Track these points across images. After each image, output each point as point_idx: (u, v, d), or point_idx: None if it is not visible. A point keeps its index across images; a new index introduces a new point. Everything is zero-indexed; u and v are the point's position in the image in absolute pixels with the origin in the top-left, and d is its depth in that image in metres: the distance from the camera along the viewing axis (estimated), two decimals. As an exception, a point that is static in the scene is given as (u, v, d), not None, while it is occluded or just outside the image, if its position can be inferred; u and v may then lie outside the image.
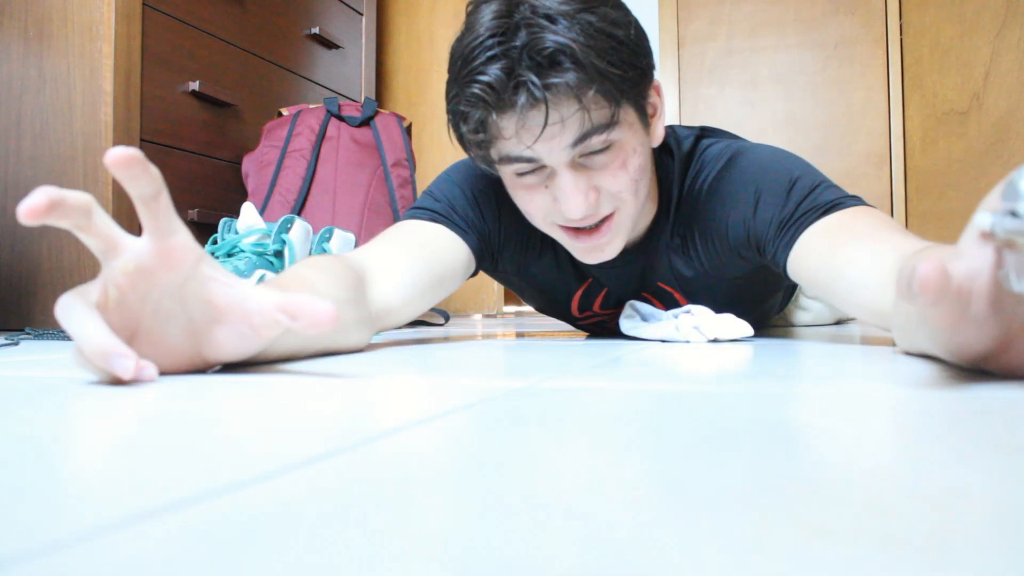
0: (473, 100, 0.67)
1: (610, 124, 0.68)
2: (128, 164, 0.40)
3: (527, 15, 0.64)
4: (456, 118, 0.70)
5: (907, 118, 2.56)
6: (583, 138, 0.67)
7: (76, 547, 0.15)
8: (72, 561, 0.14)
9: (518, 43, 0.64)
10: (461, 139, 0.73)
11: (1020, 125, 2.44)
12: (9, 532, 0.16)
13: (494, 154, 0.72)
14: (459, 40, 0.69)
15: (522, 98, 0.65)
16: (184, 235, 0.45)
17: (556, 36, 0.63)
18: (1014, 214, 0.34)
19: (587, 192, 0.70)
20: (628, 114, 0.70)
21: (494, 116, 0.67)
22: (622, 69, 0.66)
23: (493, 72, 0.65)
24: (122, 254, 0.43)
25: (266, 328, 0.44)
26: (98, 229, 0.42)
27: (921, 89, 2.54)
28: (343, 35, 2.09)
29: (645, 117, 0.73)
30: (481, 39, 0.65)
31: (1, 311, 1.42)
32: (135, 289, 0.44)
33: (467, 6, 0.70)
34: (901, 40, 2.56)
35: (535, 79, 0.64)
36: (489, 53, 0.65)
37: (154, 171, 0.42)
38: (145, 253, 0.43)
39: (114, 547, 0.15)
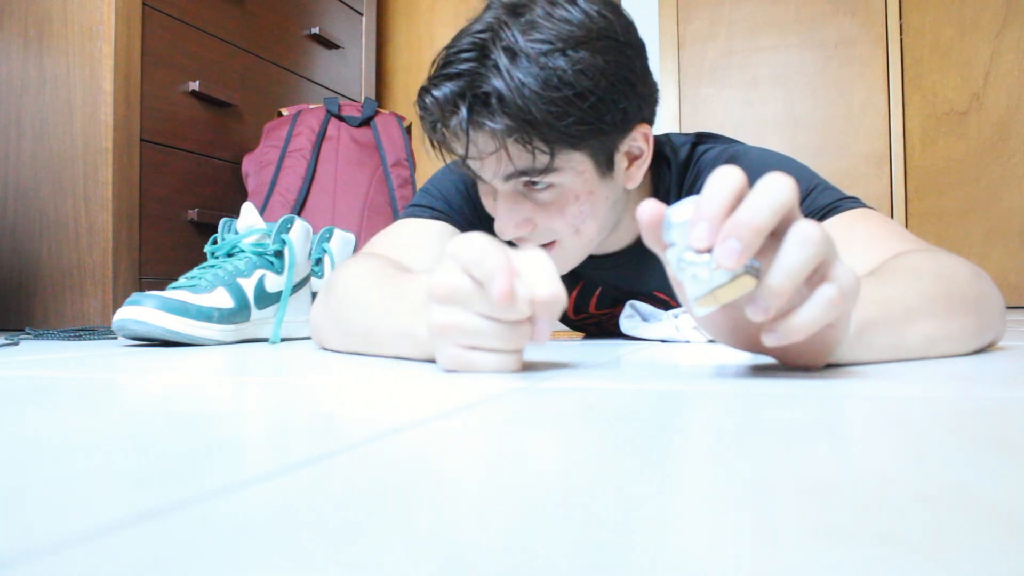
0: (423, 106, 0.70)
1: (546, 170, 0.68)
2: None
3: (495, 48, 0.65)
4: (419, 111, 0.72)
5: (907, 118, 2.56)
6: (514, 175, 0.69)
7: (76, 547, 0.15)
8: (72, 561, 0.14)
9: (470, 72, 0.65)
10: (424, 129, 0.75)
11: (1020, 125, 2.44)
12: (9, 532, 0.16)
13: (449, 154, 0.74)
14: (448, 44, 0.70)
15: (453, 122, 0.67)
16: None
17: (497, 80, 0.64)
18: (671, 244, 0.42)
19: (519, 223, 0.72)
20: (575, 162, 0.69)
21: (440, 126, 0.70)
22: (570, 120, 0.65)
23: (444, 90, 0.67)
24: None
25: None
26: None
27: (921, 89, 2.54)
28: (343, 35, 2.08)
29: (608, 164, 0.71)
30: (454, 52, 0.67)
31: (1, 311, 1.42)
32: None
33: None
34: (901, 40, 2.56)
35: (464, 113, 0.66)
36: (451, 70, 0.67)
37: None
38: None
39: (114, 547, 0.15)
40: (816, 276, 0.40)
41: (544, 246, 0.75)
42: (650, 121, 0.74)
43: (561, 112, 0.65)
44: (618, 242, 0.83)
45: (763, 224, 0.38)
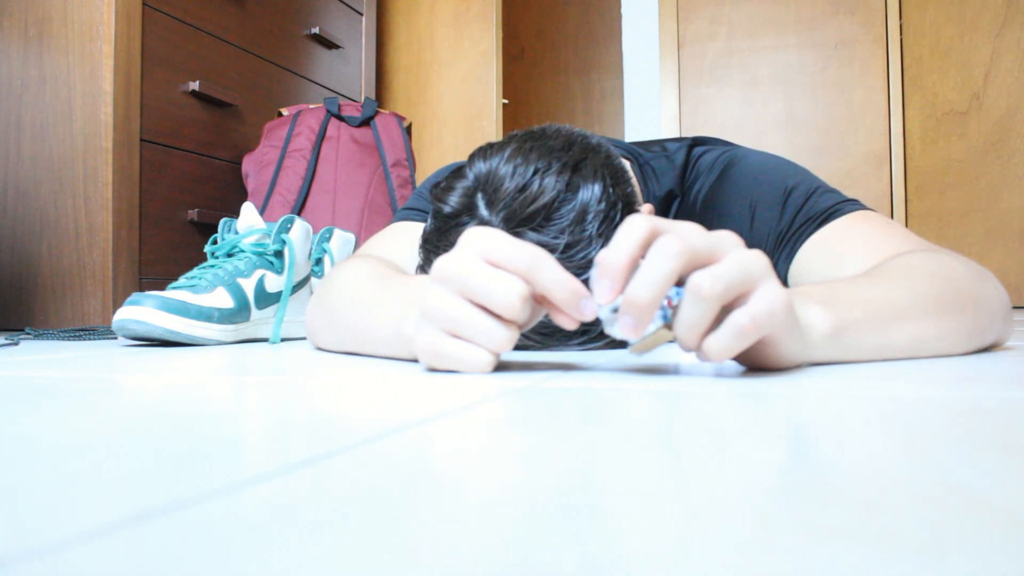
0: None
1: None
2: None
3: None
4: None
5: (907, 118, 2.56)
6: None
7: (76, 547, 0.15)
8: (72, 561, 0.14)
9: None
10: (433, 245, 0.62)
11: (1020, 125, 2.44)
12: (9, 532, 0.16)
13: None
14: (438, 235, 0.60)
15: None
16: None
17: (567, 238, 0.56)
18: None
19: None
20: None
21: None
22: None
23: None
24: None
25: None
26: None
27: (921, 89, 2.54)
28: (343, 35, 2.08)
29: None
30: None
31: (1, 311, 1.42)
32: None
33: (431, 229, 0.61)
34: (901, 40, 2.56)
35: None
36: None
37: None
38: None
39: (114, 547, 0.15)
40: (739, 301, 0.42)
41: None
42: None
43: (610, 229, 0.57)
44: None
45: (650, 299, 0.41)
